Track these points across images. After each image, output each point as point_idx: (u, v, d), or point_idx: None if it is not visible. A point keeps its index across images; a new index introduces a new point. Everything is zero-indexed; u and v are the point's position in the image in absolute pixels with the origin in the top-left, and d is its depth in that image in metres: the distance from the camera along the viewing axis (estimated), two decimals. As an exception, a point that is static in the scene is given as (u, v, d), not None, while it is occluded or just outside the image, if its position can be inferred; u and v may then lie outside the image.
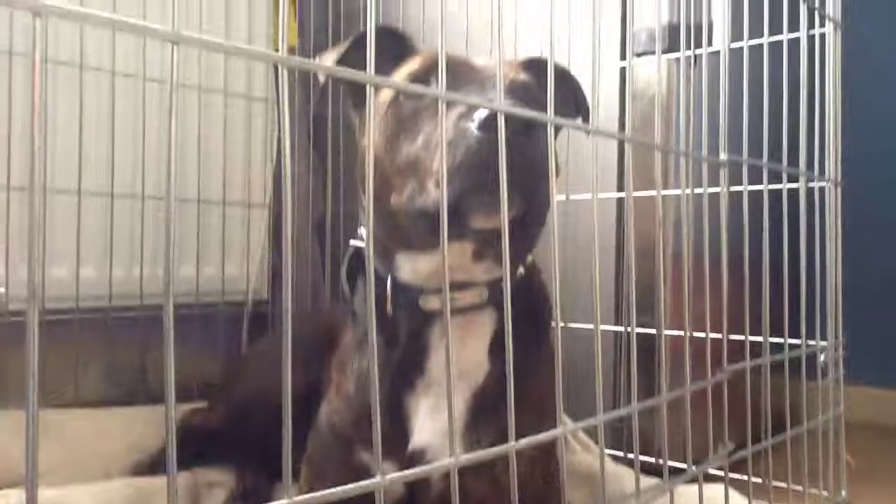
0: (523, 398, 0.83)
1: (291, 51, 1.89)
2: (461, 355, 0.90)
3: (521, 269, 0.94)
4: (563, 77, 0.93)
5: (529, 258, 0.97)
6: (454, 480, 0.53)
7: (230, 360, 1.73)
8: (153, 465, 1.38)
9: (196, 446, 1.42)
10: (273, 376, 1.38)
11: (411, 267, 0.91)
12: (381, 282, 0.91)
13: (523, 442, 0.57)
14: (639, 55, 1.45)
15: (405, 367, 0.92)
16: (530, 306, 0.92)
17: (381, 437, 0.88)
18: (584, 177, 1.35)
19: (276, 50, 1.55)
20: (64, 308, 1.50)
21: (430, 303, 0.90)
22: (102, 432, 1.36)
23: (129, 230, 1.57)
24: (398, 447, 0.90)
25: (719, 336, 0.91)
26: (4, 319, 1.40)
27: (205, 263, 1.69)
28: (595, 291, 0.68)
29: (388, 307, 0.92)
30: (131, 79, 1.58)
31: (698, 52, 1.00)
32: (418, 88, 0.68)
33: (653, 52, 1.42)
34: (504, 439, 0.59)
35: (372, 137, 0.50)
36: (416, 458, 0.89)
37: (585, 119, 1.00)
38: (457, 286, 0.89)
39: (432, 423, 0.90)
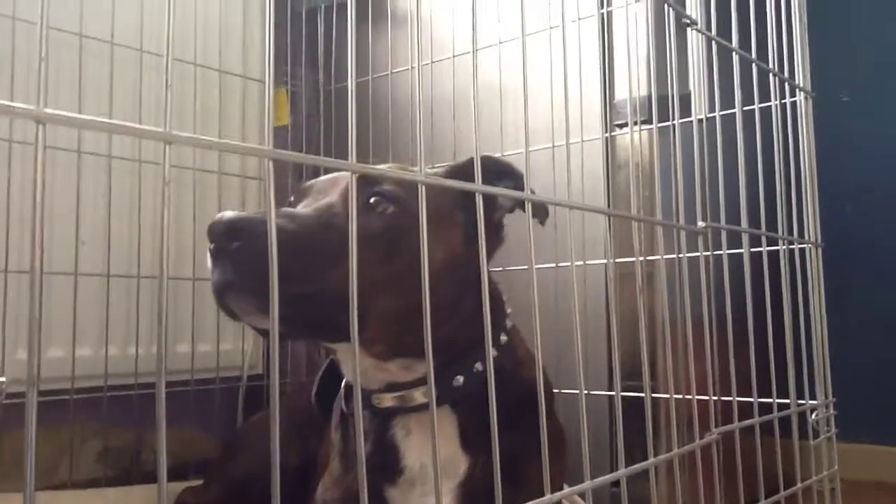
0: (528, 476, 0.84)
1: (284, 129, 1.95)
2: (428, 455, 0.88)
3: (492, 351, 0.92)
4: (507, 172, 0.93)
5: (508, 323, 0.96)
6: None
7: (226, 436, 1.73)
8: (148, 547, 1.37)
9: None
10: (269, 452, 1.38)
11: (344, 365, 0.92)
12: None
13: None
14: (620, 126, 1.50)
15: (383, 465, 0.91)
16: (514, 382, 0.90)
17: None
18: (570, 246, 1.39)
19: (275, 123, 1.58)
20: (59, 389, 1.51)
21: (383, 401, 0.90)
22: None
23: (124, 310, 1.59)
24: None
25: (713, 398, 0.93)
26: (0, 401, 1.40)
27: (200, 340, 1.70)
28: (577, 355, 0.69)
29: (345, 408, 0.92)
30: (127, 162, 1.62)
31: (678, 121, 1.03)
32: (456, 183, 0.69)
33: (633, 123, 1.46)
34: None
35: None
36: None
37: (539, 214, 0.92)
38: (404, 385, 0.88)
39: None
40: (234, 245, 0.71)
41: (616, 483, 0.72)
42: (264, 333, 0.79)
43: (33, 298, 0.32)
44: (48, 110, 0.33)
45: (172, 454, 1.72)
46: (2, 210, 1.45)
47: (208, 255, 0.74)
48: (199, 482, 1.48)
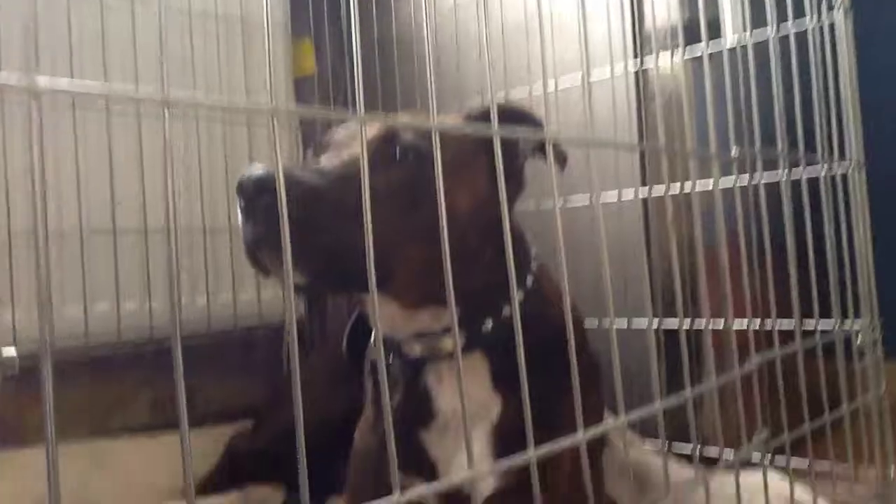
0: (562, 414, 0.84)
1: (310, 79, 1.93)
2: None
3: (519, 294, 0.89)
4: (526, 117, 0.90)
5: (534, 266, 0.95)
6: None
7: (272, 381, 1.77)
8: (203, 488, 1.42)
9: (244, 466, 1.47)
10: (315, 397, 1.41)
11: (372, 315, 0.92)
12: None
13: (541, 450, 0.58)
14: (650, 55, 1.45)
15: (416, 411, 0.92)
16: (541, 323, 0.88)
17: (412, 468, 0.90)
18: (605, 180, 1.37)
19: (299, 74, 1.57)
20: (107, 342, 1.55)
21: (412, 350, 0.90)
22: (151, 460, 1.40)
23: (164, 264, 1.61)
24: (431, 476, 0.92)
25: (752, 324, 0.92)
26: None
27: (241, 289, 1.73)
28: (606, 288, 0.69)
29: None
30: (156, 118, 1.63)
31: (708, 48, 1.00)
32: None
33: (665, 51, 1.42)
34: (539, 465, 0.58)
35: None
36: (454, 493, 0.90)
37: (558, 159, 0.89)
38: (434, 333, 0.88)
39: (461, 460, 0.90)
40: (264, 200, 0.70)
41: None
42: (297, 288, 0.80)
43: (39, 266, 0.32)
44: (42, 81, 0.33)
45: (221, 399, 1.77)
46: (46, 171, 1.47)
47: (238, 211, 0.74)
48: (248, 426, 1.52)
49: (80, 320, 1.50)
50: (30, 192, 1.41)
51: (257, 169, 0.71)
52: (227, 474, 1.45)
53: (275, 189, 0.69)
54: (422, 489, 0.50)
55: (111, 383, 1.60)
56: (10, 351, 0.33)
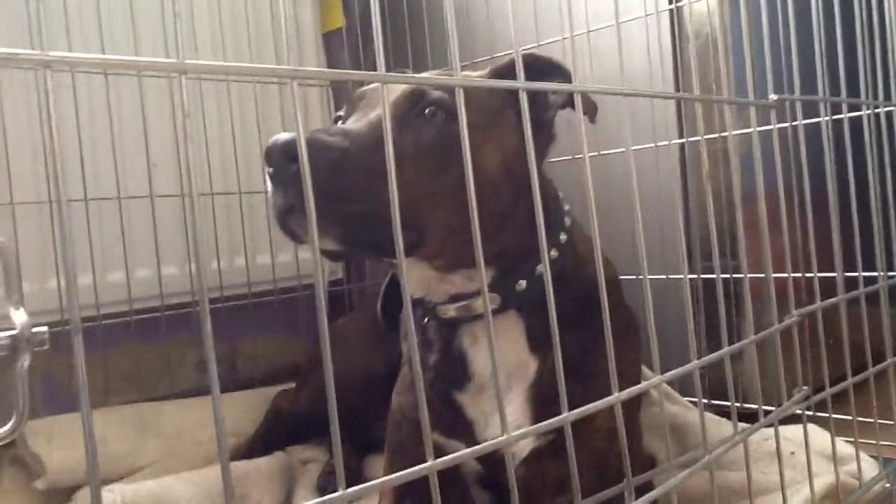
0: (598, 372, 0.83)
1: (338, 32, 1.91)
2: (499, 359, 0.89)
3: (553, 253, 0.89)
4: (553, 68, 0.88)
5: (567, 221, 0.94)
6: (509, 460, 0.54)
7: (313, 341, 1.79)
8: (250, 448, 1.45)
9: (288, 426, 1.49)
10: (356, 355, 1.42)
11: (407, 278, 0.91)
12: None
13: (576, 412, 0.57)
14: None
15: (453, 372, 0.92)
16: (574, 281, 0.89)
17: (449, 427, 0.91)
18: (641, 127, 1.34)
19: (327, 28, 1.55)
20: (151, 307, 1.58)
21: (446, 312, 0.89)
22: (198, 421, 1.43)
23: (203, 228, 1.63)
24: (468, 434, 0.92)
25: (795, 275, 0.90)
26: (98, 325, 1.48)
27: (280, 251, 1.74)
28: (639, 240, 0.67)
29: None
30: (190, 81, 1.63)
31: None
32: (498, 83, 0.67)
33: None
34: (575, 423, 0.58)
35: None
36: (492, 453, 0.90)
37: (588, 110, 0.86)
38: (468, 295, 0.88)
39: (498, 420, 0.90)
40: (293, 167, 0.70)
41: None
42: (329, 255, 0.79)
43: (64, 237, 0.32)
44: (53, 53, 0.33)
45: (265, 359, 1.80)
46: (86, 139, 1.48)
47: (267, 178, 0.74)
48: (291, 386, 1.54)
49: (124, 286, 1.53)
50: (67, 161, 1.43)
51: (284, 135, 0.71)
52: (272, 435, 1.48)
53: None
54: (458, 455, 0.50)
55: (157, 347, 1.64)
56: (41, 328, 0.34)
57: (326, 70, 1.86)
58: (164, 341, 1.62)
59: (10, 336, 0.34)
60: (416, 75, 0.65)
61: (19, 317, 0.35)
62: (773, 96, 0.87)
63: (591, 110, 0.84)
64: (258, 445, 1.45)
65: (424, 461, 0.48)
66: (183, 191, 1.56)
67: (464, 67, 0.96)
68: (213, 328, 0.41)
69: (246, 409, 1.53)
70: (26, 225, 1.40)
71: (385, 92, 0.50)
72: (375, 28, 0.47)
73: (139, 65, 0.36)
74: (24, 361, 0.34)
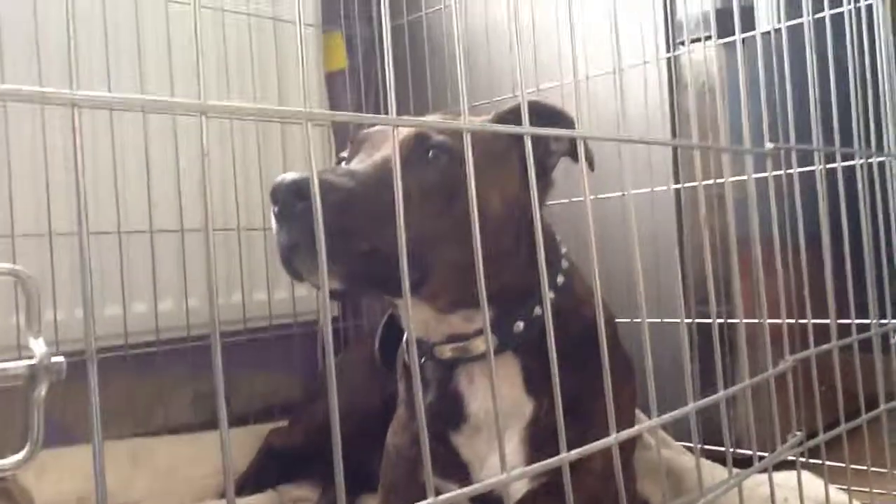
0: (594, 413, 0.84)
1: (341, 73, 1.94)
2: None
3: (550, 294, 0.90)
4: (557, 116, 0.90)
5: (564, 264, 0.95)
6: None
7: (307, 379, 1.79)
8: (240, 487, 1.43)
9: (280, 465, 1.48)
10: (350, 394, 1.42)
11: (405, 318, 0.91)
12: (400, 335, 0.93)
13: (575, 452, 0.58)
14: (683, 44, 1.44)
15: (448, 413, 0.92)
16: (572, 323, 0.90)
17: (444, 468, 0.91)
18: (638, 172, 1.36)
19: (330, 68, 1.57)
20: (147, 342, 1.57)
21: (444, 352, 0.90)
22: (191, 458, 1.42)
23: (201, 264, 1.63)
24: (463, 476, 0.92)
25: (788, 321, 0.91)
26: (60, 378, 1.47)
27: (276, 288, 1.75)
28: (638, 284, 0.68)
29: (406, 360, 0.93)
30: (193, 118, 1.65)
31: (745, 35, 0.98)
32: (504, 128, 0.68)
33: (698, 40, 1.40)
34: (571, 464, 0.58)
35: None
36: (487, 493, 0.90)
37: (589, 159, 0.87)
38: (466, 336, 0.88)
39: (494, 461, 0.90)
40: (299, 206, 0.71)
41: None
42: (331, 294, 0.80)
43: (84, 273, 0.33)
44: (81, 93, 0.34)
45: (258, 397, 1.79)
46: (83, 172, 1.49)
47: (273, 217, 0.75)
48: (284, 424, 1.53)
49: (120, 320, 1.53)
50: (68, 195, 1.44)
51: (290, 175, 0.72)
52: (264, 472, 1.47)
53: (309, 195, 0.70)
54: (455, 494, 0.50)
55: (151, 382, 1.63)
56: (58, 357, 0.34)
57: (340, 113, 1.87)
58: (159, 376, 1.61)
59: (29, 365, 0.35)
60: (425, 119, 0.66)
61: (38, 346, 0.35)
62: (769, 145, 0.89)
63: (590, 158, 0.86)
64: (250, 483, 1.44)
65: (418, 501, 0.48)
66: (182, 226, 1.56)
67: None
68: (209, 363, 0.42)
69: (239, 446, 1.52)
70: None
71: (396, 134, 0.52)
72: (388, 73, 0.49)
73: (161, 105, 0.37)
74: (41, 390, 0.35)
